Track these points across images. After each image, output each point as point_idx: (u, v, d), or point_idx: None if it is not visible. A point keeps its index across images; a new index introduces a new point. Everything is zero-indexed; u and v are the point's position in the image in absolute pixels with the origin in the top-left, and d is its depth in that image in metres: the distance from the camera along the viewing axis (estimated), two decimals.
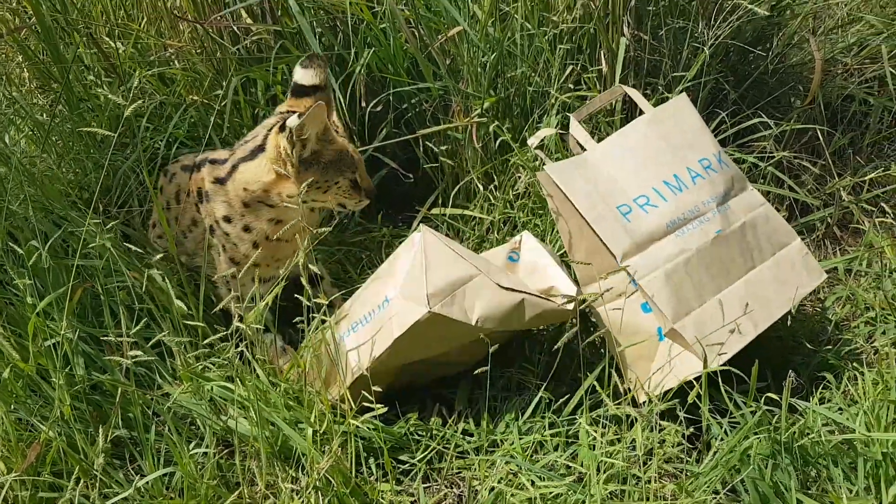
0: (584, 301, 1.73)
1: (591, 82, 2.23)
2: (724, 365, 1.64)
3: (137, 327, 1.51)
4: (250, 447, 1.61)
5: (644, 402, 1.70)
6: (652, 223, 1.78)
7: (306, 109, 1.68)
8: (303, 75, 1.85)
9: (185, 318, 1.71)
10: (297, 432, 1.58)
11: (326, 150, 1.76)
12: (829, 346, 2.00)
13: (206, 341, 1.53)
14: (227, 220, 1.87)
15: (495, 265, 1.82)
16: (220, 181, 1.87)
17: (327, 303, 1.60)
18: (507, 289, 1.69)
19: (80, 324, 1.74)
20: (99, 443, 1.48)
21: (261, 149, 1.81)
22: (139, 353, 1.50)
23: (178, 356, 1.58)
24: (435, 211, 2.35)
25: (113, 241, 1.71)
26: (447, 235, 2.32)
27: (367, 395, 1.59)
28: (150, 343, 1.62)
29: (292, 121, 1.67)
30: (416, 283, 1.65)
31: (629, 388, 1.61)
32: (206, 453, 1.61)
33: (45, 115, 2.43)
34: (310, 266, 1.68)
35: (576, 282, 1.84)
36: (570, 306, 1.72)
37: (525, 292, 1.71)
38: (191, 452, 1.59)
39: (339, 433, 1.57)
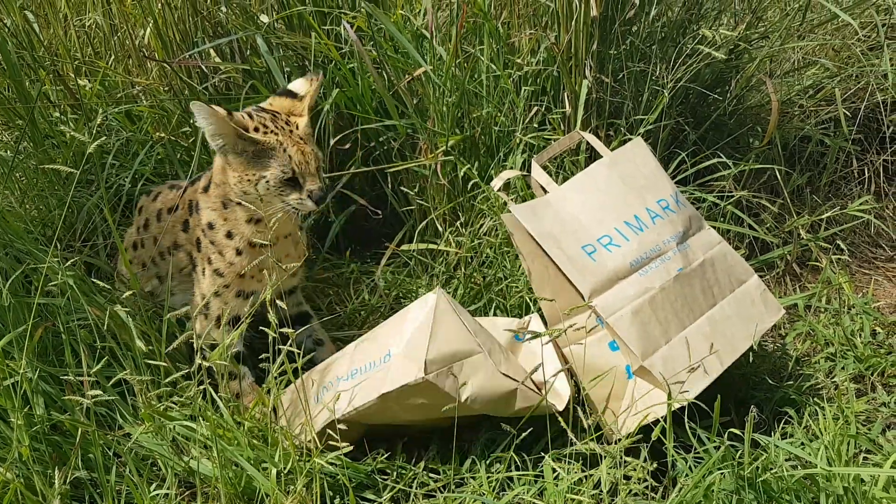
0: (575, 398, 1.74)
1: (556, 123, 2.28)
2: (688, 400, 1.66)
3: (98, 366, 1.49)
4: (212, 488, 1.58)
5: (617, 441, 1.71)
6: (616, 262, 1.81)
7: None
8: (295, 83, 1.93)
9: (146, 356, 1.69)
10: (260, 472, 1.56)
11: (245, 146, 1.76)
12: (791, 382, 2.03)
13: (167, 379, 1.51)
14: (211, 226, 1.90)
15: (499, 342, 1.82)
16: (205, 189, 1.92)
17: (292, 336, 1.58)
18: (504, 374, 1.69)
19: (41, 363, 1.71)
20: (56, 484, 1.45)
21: None
22: (99, 392, 1.47)
23: (139, 395, 1.55)
24: (404, 247, 2.36)
25: (75, 277, 1.69)
26: (415, 271, 2.34)
27: (332, 433, 1.58)
28: (112, 382, 1.59)
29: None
30: (419, 346, 1.66)
31: (589, 426, 1.61)
32: (167, 495, 1.58)
33: (8, 151, 2.41)
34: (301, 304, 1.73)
35: (544, 321, 1.86)
36: (560, 407, 1.71)
37: (520, 382, 1.70)
38: (151, 494, 1.56)
39: (304, 472, 1.55)
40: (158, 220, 2.06)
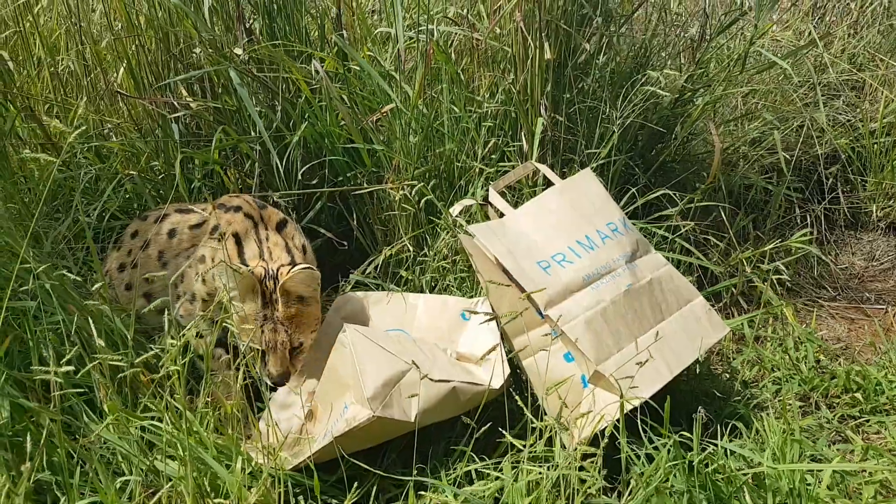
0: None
1: (514, 158, 2.40)
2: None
3: (69, 354, 1.51)
4: (176, 487, 1.59)
5: (575, 449, 1.76)
6: (570, 276, 1.91)
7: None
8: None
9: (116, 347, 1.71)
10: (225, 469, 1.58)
11: None
12: (738, 398, 2.11)
13: (138, 359, 1.53)
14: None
15: (429, 343, 1.93)
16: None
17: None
18: (437, 381, 1.77)
19: (5, 367, 1.72)
20: (17, 485, 1.44)
21: None
22: (72, 368, 1.48)
23: (102, 387, 1.57)
24: (368, 270, 2.41)
25: (48, 271, 1.72)
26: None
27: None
28: (80, 374, 1.60)
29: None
30: (357, 387, 1.72)
31: (540, 430, 1.67)
32: (132, 489, 1.59)
33: None
34: None
35: (504, 339, 1.94)
36: (497, 385, 1.81)
37: (455, 380, 1.79)
38: (118, 481, 1.57)
39: (267, 471, 1.57)
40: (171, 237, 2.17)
